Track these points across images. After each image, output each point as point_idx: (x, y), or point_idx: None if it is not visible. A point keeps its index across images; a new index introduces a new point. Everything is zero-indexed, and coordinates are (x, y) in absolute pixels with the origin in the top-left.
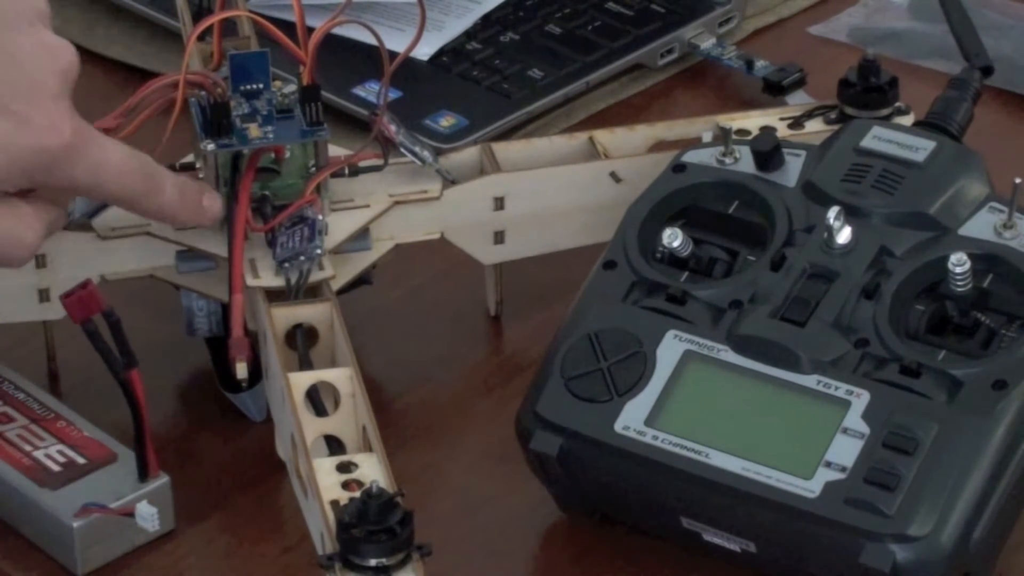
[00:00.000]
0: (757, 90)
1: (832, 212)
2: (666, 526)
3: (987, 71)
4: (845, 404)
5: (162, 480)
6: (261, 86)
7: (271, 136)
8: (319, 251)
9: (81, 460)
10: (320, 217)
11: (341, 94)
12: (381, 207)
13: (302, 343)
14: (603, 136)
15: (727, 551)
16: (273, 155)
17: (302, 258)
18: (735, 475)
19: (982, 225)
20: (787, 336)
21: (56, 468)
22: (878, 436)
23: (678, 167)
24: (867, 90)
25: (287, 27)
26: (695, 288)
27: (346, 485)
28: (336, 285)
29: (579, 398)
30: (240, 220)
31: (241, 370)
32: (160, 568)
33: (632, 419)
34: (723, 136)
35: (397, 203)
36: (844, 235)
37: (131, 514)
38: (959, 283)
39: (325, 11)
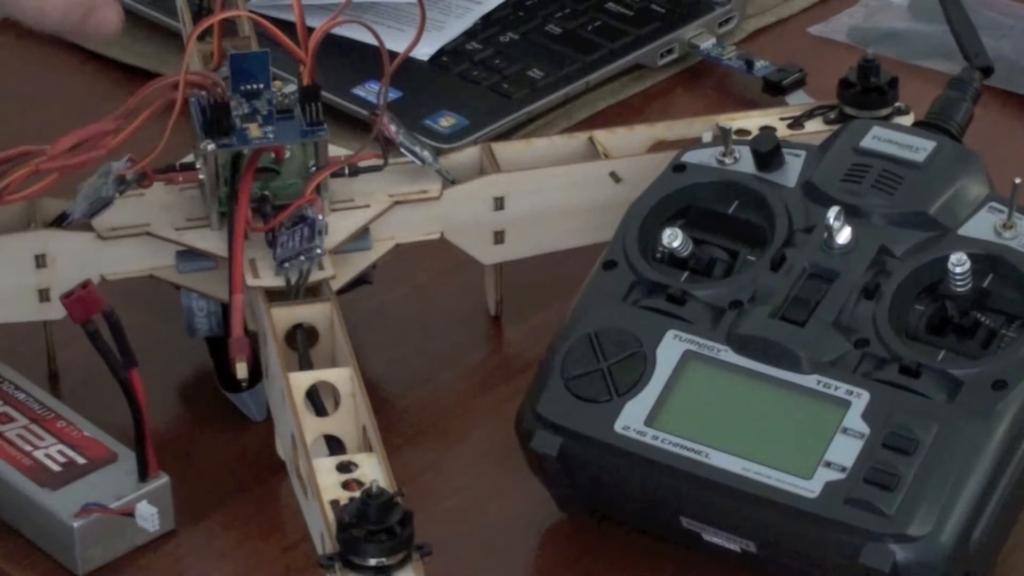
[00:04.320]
0: (757, 90)
1: (832, 212)
2: (666, 526)
3: (987, 71)
4: (845, 404)
5: (162, 480)
6: (261, 86)
7: (271, 136)
8: (319, 251)
9: (81, 460)
10: (320, 217)
11: (341, 94)
12: (381, 207)
13: (302, 343)
14: (603, 136)
15: (727, 551)
16: (273, 155)
17: (302, 258)
18: (735, 475)
19: (982, 225)
20: (787, 336)
21: (56, 468)
22: (878, 436)
23: (678, 167)
24: (867, 90)
25: (287, 27)
26: (695, 288)
27: (346, 485)
28: (336, 285)
29: (579, 398)
30: (240, 220)
31: (241, 370)
32: (160, 568)
33: (632, 419)
34: (723, 136)
35: (397, 203)
36: (844, 235)
37: (131, 514)
38: (959, 283)
39: (325, 11)
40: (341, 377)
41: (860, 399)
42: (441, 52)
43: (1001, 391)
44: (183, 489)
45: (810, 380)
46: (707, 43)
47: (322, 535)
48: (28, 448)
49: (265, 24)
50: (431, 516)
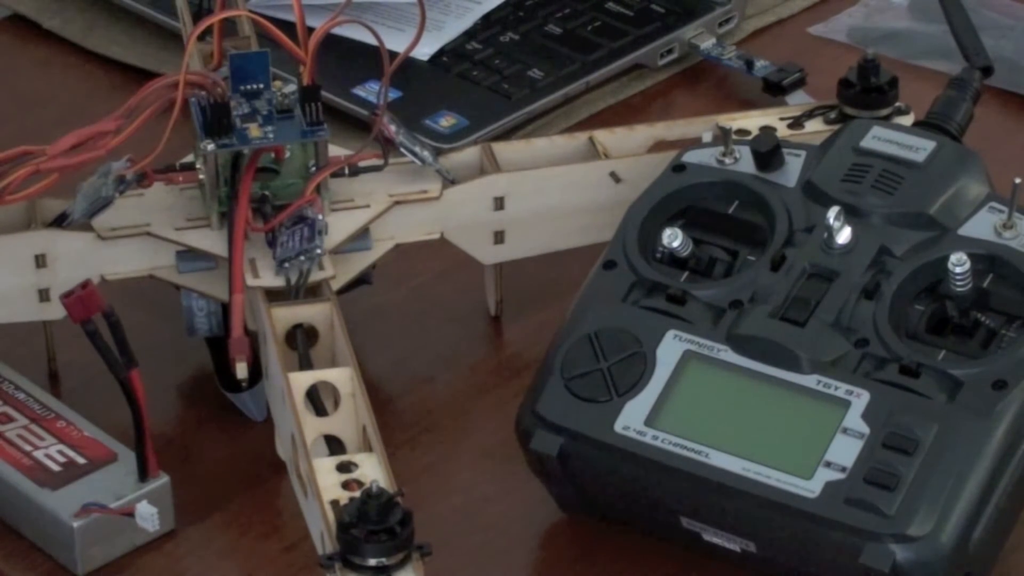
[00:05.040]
0: (757, 90)
1: (832, 212)
2: (666, 526)
3: (987, 71)
4: (845, 404)
5: (162, 480)
6: (261, 86)
7: (271, 136)
8: (319, 251)
9: (81, 460)
10: (320, 217)
11: (341, 94)
12: (381, 207)
13: (302, 343)
14: (603, 136)
15: (727, 551)
16: (273, 155)
17: (302, 258)
18: (735, 475)
19: (982, 225)
20: (787, 336)
21: (56, 468)
22: (878, 436)
23: (678, 167)
24: (867, 90)
25: (287, 27)
26: (695, 288)
27: (346, 485)
28: (336, 285)
29: (579, 398)
30: (240, 220)
31: (241, 370)
32: (160, 568)
33: (632, 419)
34: (723, 136)
35: (397, 203)
36: (844, 235)
37: (131, 514)
38: (959, 283)
39: (325, 11)
40: (341, 377)
41: (860, 399)
42: (441, 52)
43: (1001, 391)
44: (183, 489)
45: (810, 380)
46: (707, 43)
47: (322, 535)
48: (28, 448)
49: (265, 24)
50: (431, 516)
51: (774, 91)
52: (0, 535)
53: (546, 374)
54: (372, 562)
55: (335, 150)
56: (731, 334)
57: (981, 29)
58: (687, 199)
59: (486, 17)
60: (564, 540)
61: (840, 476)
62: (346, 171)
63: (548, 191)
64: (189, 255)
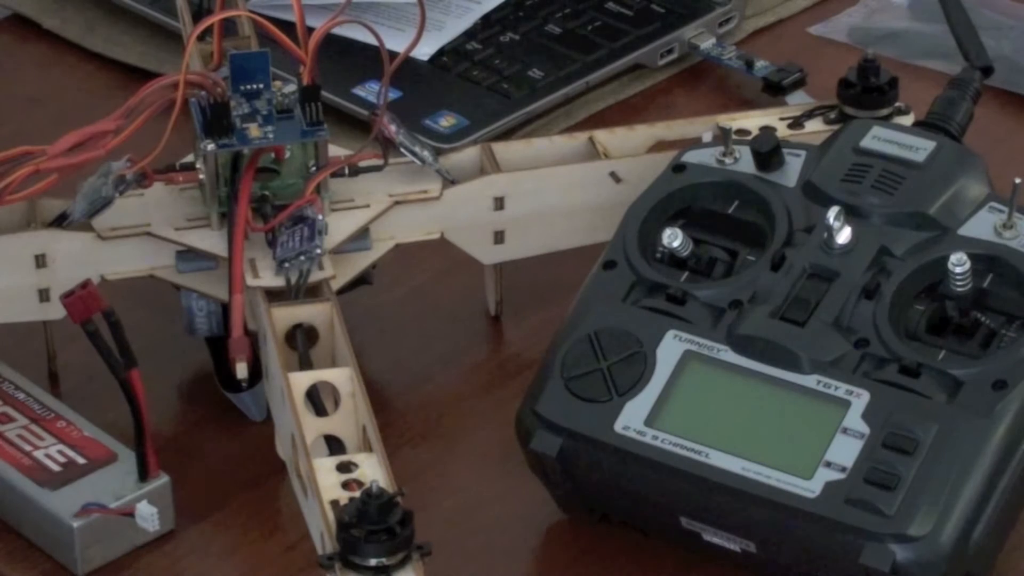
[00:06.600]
0: (757, 90)
1: (832, 212)
2: (666, 526)
3: (987, 71)
4: (845, 404)
5: (162, 480)
6: (261, 86)
7: (271, 136)
8: (319, 251)
9: (81, 460)
10: (320, 217)
11: (341, 94)
12: (381, 207)
13: (302, 343)
14: (603, 136)
15: (727, 551)
16: (273, 155)
17: (302, 258)
18: (735, 475)
19: (982, 225)
20: (787, 336)
21: (56, 468)
22: (878, 436)
23: (678, 167)
24: (867, 90)
25: (287, 27)
26: (695, 288)
27: (346, 485)
28: (336, 285)
29: (579, 398)
30: (240, 220)
31: (241, 370)
32: (160, 568)
33: (632, 419)
34: (723, 136)
35: (397, 203)
36: (844, 235)
37: (131, 514)
38: (959, 283)
39: (325, 11)
40: (341, 377)
41: (860, 399)
42: (441, 52)
43: (1001, 391)
44: (183, 489)
45: (810, 380)
46: (707, 43)
47: (322, 535)
48: (28, 448)
49: (265, 24)
50: (431, 516)
51: (774, 91)
52: (0, 535)
53: (546, 374)
54: (372, 562)
55: (335, 150)
56: (731, 334)
57: (981, 29)
58: (687, 199)
59: (486, 17)
60: (564, 540)
61: (840, 476)
62: (346, 171)
63: (548, 191)
64: (189, 255)
